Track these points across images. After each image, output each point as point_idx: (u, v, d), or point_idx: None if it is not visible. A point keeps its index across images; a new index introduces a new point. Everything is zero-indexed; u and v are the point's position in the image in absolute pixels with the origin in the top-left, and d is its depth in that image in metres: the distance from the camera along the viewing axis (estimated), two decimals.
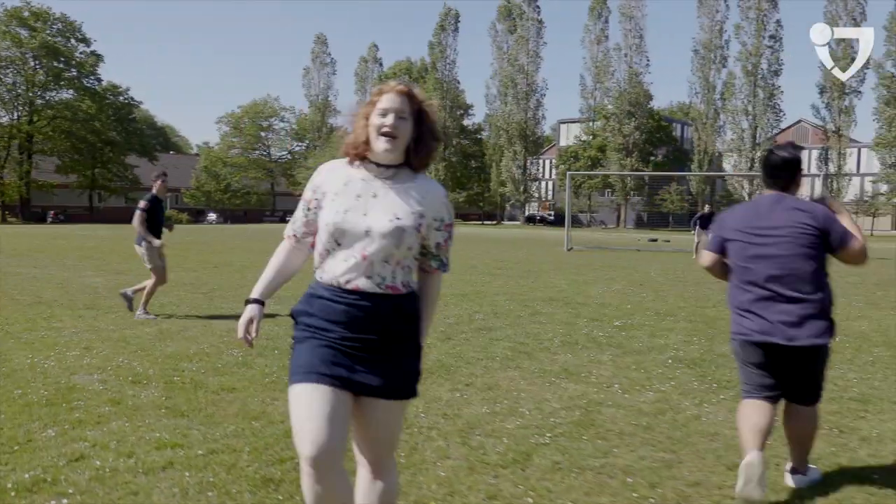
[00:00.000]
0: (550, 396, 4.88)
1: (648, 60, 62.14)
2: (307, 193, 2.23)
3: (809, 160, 68.40)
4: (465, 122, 75.57)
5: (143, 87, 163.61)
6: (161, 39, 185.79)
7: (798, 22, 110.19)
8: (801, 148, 3.44)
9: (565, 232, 24.06)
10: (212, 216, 64.24)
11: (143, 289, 8.11)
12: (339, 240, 2.11)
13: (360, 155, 2.17)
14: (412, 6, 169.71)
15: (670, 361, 6.10)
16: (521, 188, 68.03)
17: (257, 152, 75.49)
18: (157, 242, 8.09)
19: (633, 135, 61.72)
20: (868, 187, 58.56)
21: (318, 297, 2.14)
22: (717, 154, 61.69)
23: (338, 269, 2.11)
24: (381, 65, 77.07)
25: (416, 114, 2.15)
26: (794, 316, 3.01)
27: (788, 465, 3.37)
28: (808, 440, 3.27)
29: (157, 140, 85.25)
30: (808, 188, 71.38)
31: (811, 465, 3.40)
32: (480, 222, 72.25)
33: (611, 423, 4.28)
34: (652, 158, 64.99)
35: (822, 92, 54.13)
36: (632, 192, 63.53)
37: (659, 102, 69.07)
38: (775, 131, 56.66)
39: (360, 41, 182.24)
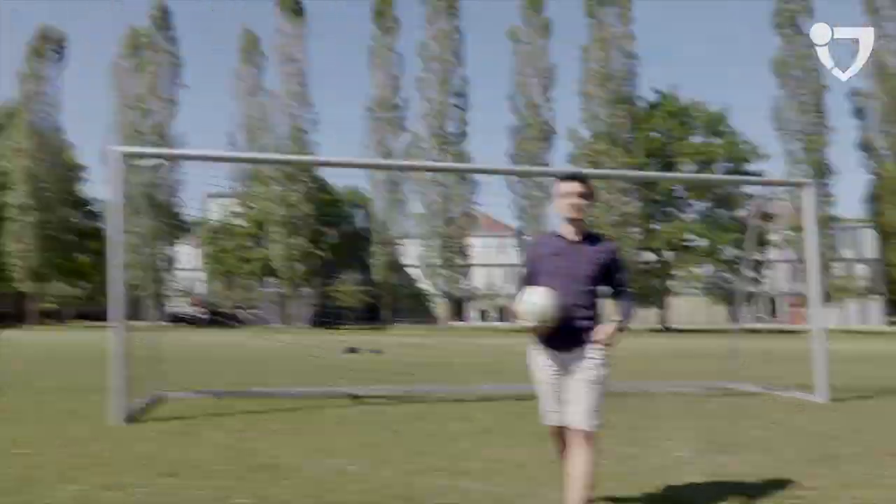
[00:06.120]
0: None
1: (317, 115, 49.78)
2: None
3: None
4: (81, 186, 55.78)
5: None
6: None
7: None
8: None
9: None
10: None
11: None
12: None
13: None
14: None
15: None
16: (156, 276, 49.50)
17: None
18: None
19: (300, 206, 48.13)
20: None
21: None
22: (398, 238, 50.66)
23: None
24: None
25: None
26: None
27: None
28: None
29: None
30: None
31: None
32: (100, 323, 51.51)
33: None
34: (326, 240, 51.66)
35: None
36: (300, 281, 49.26)
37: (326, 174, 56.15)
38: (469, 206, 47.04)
39: None
